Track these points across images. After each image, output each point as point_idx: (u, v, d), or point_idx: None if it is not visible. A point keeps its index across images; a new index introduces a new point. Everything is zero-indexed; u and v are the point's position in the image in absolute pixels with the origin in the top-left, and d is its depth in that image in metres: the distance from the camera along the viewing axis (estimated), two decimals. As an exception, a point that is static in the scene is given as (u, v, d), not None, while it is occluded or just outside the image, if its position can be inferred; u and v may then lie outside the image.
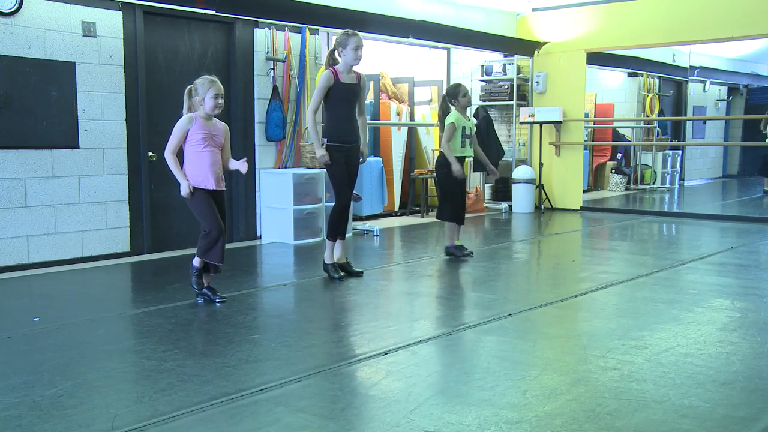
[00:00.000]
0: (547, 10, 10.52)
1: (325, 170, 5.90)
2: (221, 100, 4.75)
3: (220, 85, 4.76)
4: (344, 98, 5.48)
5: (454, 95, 6.36)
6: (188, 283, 4.91)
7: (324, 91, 5.44)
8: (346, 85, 5.46)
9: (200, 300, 4.86)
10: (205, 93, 4.68)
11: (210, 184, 4.76)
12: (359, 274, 5.72)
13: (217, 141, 4.81)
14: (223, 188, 4.87)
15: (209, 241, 4.74)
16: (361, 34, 5.52)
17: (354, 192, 5.83)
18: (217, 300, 4.82)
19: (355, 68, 5.53)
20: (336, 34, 5.60)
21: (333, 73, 5.43)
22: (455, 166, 6.29)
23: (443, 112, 6.45)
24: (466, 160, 6.64)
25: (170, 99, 6.92)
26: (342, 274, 5.61)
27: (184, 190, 4.71)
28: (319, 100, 5.47)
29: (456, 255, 6.47)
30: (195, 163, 4.74)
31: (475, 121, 6.53)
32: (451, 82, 10.85)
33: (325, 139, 5.48)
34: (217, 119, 4.84)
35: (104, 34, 6.39)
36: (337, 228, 5.61)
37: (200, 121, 4.72)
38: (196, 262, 4.85)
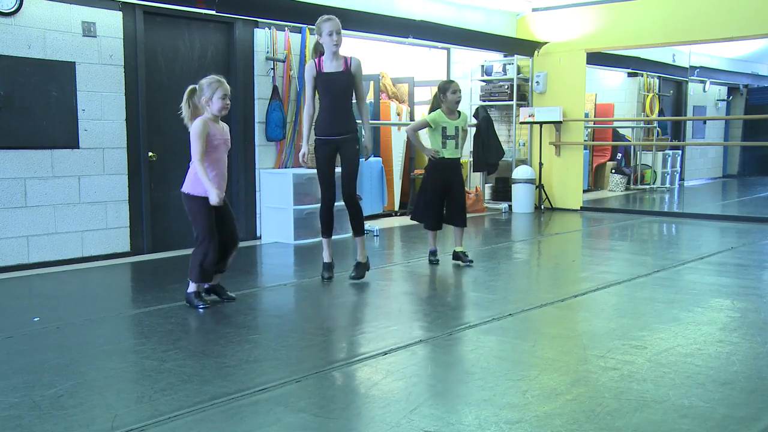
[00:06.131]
0: (547, 10, 10.52)
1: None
2: (229, 101, 4.60)
3: (227, 84, 4.62)
4: (326, 88, 5.32)
5: (443, 90, 6.17)
6: (188, 284, 4.80)
7: (310, 83, 5.34)
8: (328, 74, 5.30)
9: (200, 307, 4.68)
10: (213, 93, 4.52)
11: (222, 192, 4.62)
12: (354, 278, 5.55)
13: (228, 145, 4.71)
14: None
15: (206, 253, 4.59)
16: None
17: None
18: (225, 300, 4.81)
19: (344, 53, 5.37)
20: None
21: (315, 64, 5.32)
22: (426, 152, 6.26)
23: (432, 108, 6.36)
24: (463, 161, 6.50)
25: (170, 99, 6.92)
26: (329, 275, 5.54)
27: (215, 199, 4.46)
28: (308, 94, 5.36)
29: (430, 260, 6.36)
30: (210, 171, 4.53)
31: (466, 120, 6.34)
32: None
33: (315, 134, 5.39)
34: (221, 120, 4.71)
35: (104, 34, 6.39)
36: (324, 224, 5.52)
37: (212, 125, 4.56)
38: (192, 287, 4.70)
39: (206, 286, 4.86)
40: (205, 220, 4.60)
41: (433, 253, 6.37)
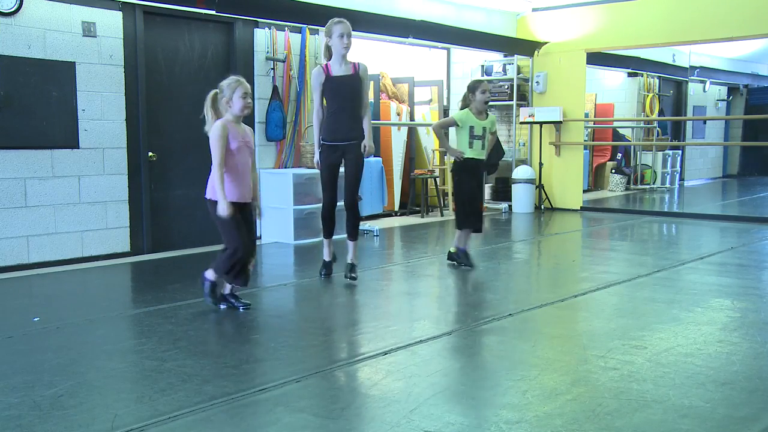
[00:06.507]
0: (547, 10, 10.52)
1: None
2: (250, 100, 4.49)
3: (247, 84, 4.51)
4: (337, 93, 5.28)
5: (472, 89, 6.02)
6: (188, 284, 4.82)
7: (317, 89, 5.31)
8: (338, 78, 5.26)
9: (222, 306, 4.66)
10: (233, 93, 4.41)
11: (244, 197, 4.52)
12: (352, 278, 5.49)
13: (251, 147, 4.59)
14: (250, 200, 4.62)
15: (235, 261, 4.48)
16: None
17: None
18: (241, 307, 4.64)
19: (351, 58, 5.34)
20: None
21: (323, 69, 5.29)
22: (451, 152, 6.12)
23: (461, 108, 6.18)
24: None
25: (170, 99, 6.93)
26: (326, 272, 5.62)
27: (224, 210, 4.32)
28: (317, 101, 5.35)
29: (457, 261, 6.15)
30: (230, 175, 4.44)
31: (494, 122, 6.18)
32: (451, 83, 10.90)
33: (321, 138, 5.38)
34: (243, 122, 4.58)
35: (104, 34, 6.39)
36: (325, 226, 5.55)
37: (232, 126, 4.45)
38: (211, 275, 4.61)
39: (226, 291, 4.72)
40: (231, 224, 4.44)
41: (466, 254, 6.12)
